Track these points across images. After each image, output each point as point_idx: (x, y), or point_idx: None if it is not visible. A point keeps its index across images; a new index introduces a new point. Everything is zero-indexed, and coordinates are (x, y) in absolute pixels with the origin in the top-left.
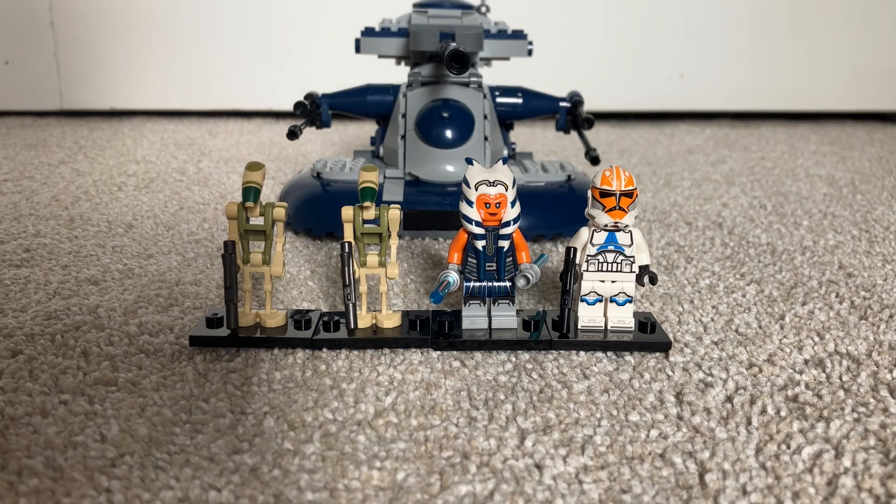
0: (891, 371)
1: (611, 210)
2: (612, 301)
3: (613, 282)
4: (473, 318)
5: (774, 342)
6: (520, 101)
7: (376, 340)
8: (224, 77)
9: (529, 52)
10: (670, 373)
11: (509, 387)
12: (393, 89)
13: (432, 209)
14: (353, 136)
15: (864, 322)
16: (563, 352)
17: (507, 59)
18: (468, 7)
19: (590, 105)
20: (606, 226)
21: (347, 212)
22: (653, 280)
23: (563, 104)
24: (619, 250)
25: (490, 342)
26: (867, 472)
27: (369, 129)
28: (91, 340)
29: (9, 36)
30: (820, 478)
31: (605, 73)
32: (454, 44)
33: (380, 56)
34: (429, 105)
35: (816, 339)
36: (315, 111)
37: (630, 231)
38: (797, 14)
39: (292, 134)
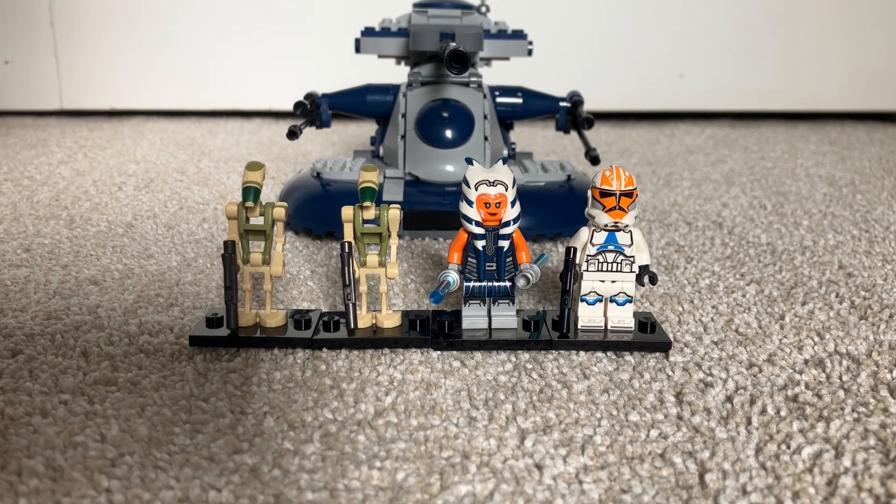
0: (891, 371)
1: (611, 210)
2: (612, 301)
3: (613, 282)
4: (473, 318)
5: (774, 342)
6: (520, 101)
7: (376, 340)
8: (224, 77)
9: (529, 52)
10: (670, 373)
11: (509, 387)
12: (393, 89)
13: (432, 209)
14: (353, 136)
15: (864, 322)
16: (563, 352)
17: (507, 59)
18: (468, 7)
19: (590, 105)
20: (606, 226)
21: (347, 212)
22: (653, 280)
23: (563, 104)
24: (619, 250)
25: (490, 342)
26: (867, 472)
27: (369, 129)
28: (91, 340)
29: (9, 36)
30: (820, 478)
31: (605, 73)
32: (454, 44)
33: (380, 56)
34: (429, 105)
35: (816, 339)
36: (315, 111)
37: (630, 231)
38: (796, 14)
39: (292, 134)
